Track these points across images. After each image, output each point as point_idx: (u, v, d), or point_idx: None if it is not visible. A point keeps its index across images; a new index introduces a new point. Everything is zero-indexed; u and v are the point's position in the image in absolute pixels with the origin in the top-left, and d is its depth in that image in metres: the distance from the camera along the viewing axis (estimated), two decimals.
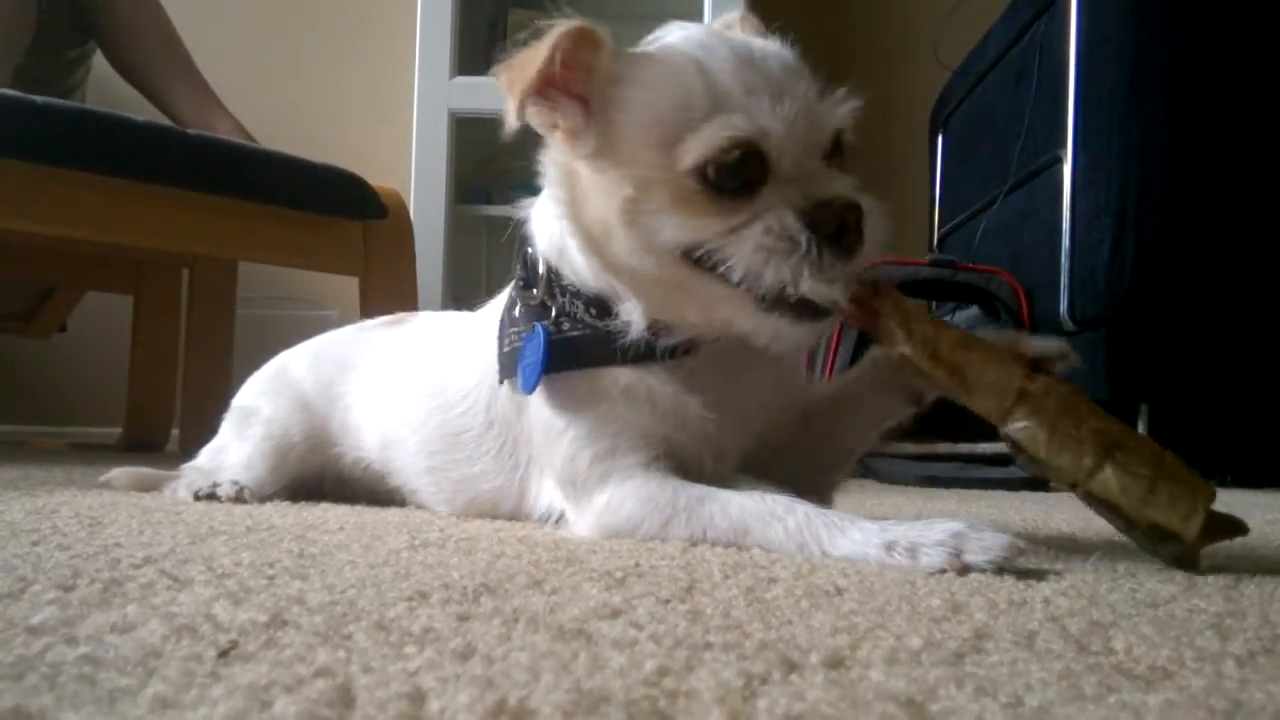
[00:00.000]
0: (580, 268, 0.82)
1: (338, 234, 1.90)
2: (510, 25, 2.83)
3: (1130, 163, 1.65)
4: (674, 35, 0.79)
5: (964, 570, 0.62)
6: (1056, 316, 1.75)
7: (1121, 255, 1.63)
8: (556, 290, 0.84)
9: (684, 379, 0.80)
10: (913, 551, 0.65)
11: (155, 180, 1.62)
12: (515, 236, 0.92)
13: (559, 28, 0.74)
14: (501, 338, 0.91)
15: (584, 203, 0.80)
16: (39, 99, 1.54)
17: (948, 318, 2.00)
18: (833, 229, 0.70)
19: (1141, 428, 1.67)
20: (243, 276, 2.42)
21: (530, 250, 0.89)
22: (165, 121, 2.03)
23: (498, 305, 0.96)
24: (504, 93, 0.76)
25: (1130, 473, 0.66)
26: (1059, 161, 1.78)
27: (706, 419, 0.80)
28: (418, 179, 2.58)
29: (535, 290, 0.86)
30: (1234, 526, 0.66)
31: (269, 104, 2.83)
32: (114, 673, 0.37)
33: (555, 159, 0.82)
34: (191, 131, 1.75)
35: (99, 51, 2.22)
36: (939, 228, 2.68)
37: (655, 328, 0.79)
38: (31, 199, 1.52)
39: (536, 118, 0.78)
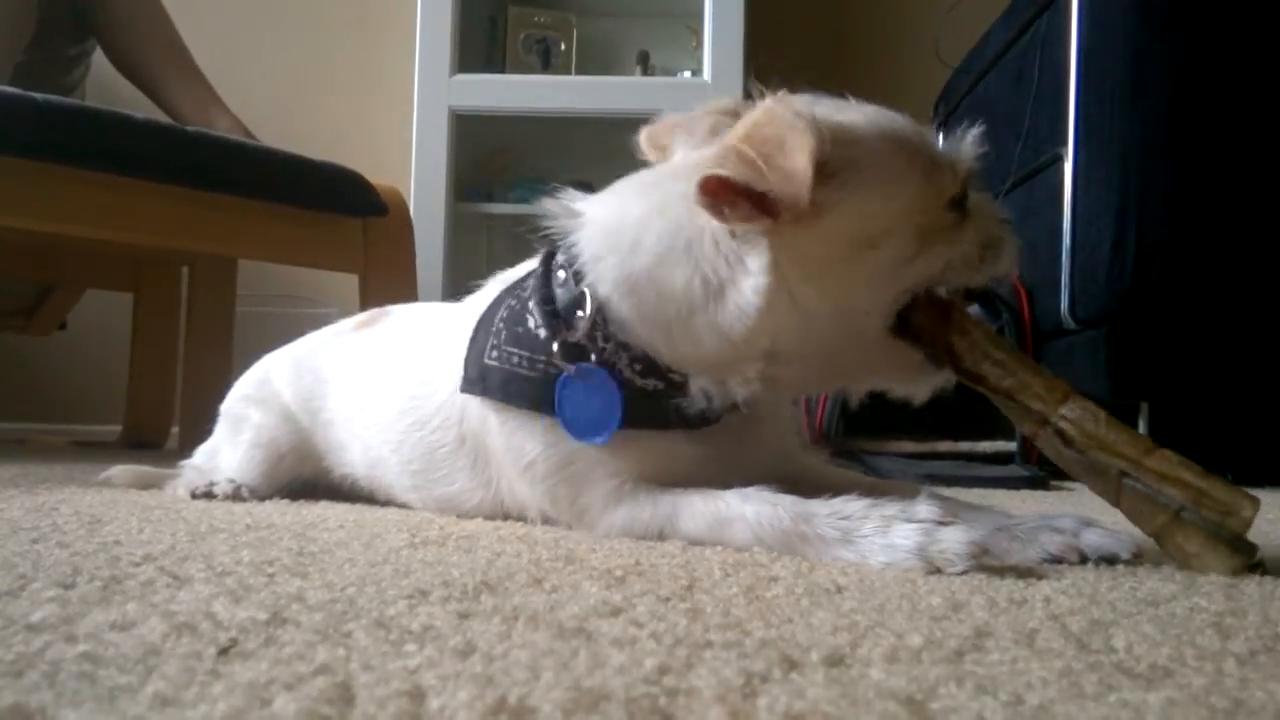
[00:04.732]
0: (679, 334, 0.74)
1: (338, 231, 1.90)
2: (510, 22, 2.84)
3: (1131, 161, 1.64)
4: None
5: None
6: (1057, 315, 1.75)
7: (1123, 254, 1.63)
8: (599, 335, 0.77)
9: (708, 442, 0.78)
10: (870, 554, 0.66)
11: (155, 177, 1.61)
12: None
13: (800, 124, 0.65)
14: (483, 342, 0.85)
15: (809, 280, 0.71)
16: (39, 96, 1.53)
17: None
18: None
19: (1142, 426, 1.67)
20: (242, 274, 2.41)
21: (565, 273, 0.79)
22: (165, 119, 2.02)
23: (480, 301, 0.91)
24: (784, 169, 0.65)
25: (1180, 456, 0.67)
26: (1060, 160, 1.77)
27: (715, 477, 0.77)
28: (418, 176, 2.57)
29: (573, 325, 0.77)
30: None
31: (269, 101, 2.82)
32: (114, 670, 0.37)
33: (757, 245, 0.70)
34: (191, 129, 1.75)
35: (99, 49, 2.22)
36: None
37: (710, 394, 0.75)
38: (31, 196, 1.52)
39: (739, 217, 0.68)
